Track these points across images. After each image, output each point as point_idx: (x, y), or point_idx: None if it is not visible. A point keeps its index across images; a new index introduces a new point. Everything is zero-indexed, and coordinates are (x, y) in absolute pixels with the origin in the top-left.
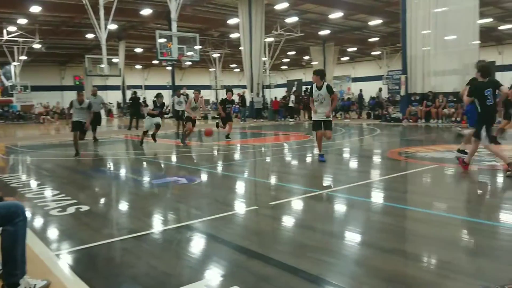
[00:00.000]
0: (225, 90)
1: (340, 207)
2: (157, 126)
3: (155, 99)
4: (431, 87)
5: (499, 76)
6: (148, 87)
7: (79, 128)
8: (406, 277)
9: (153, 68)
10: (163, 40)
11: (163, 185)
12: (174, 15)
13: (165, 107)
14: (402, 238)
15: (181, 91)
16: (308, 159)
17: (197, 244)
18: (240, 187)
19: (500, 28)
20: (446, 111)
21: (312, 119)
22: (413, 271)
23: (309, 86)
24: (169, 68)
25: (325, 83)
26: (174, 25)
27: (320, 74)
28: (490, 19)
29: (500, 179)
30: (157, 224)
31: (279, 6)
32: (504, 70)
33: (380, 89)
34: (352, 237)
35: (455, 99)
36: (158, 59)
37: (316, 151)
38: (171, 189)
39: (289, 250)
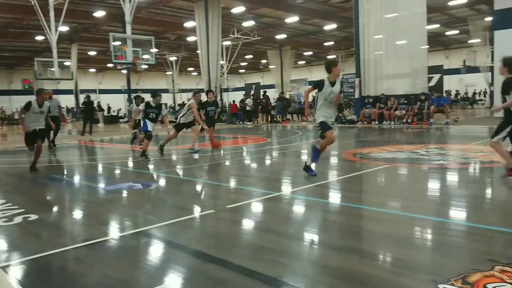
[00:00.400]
0: (205, 92)
1: (297, 209)
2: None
3: (151, 98)
4: (383, 90)
5: (446, 79)
6: (102, 91)
7: (37, 139)
8: (362, 275)
9: (108, 71)
10: (117, 43)
11: (117, 191)
12: (128, 18)
13: (167, 109)
14: (357, 237)
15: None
16: (267, 161)
17: (153, 251)
18: (197, 191)
19: (446, 33)
20: (398, 113)
21: (319, 120)
22: (369, 269)
23: (267, 90)
24: (125, 71)
25: (339, 79)
26: (128, 28)
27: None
28: (438, 25)
29: (450, 177)
30: (111, 231)
31: (236, 10)
32: (451, 73)
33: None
34: (309, 238)
35: (406, 101)
36: (113, 62)
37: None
38: (126, 195)
39: (247, 253)
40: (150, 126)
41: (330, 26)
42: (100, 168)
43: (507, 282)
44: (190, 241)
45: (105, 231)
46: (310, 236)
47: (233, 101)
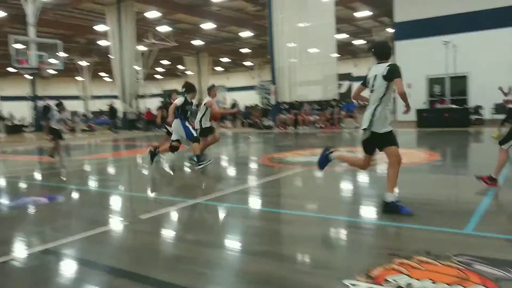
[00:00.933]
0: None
1: (214, 216)
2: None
3: (185, 94)
4: (297, 96)
5: (355, 85)
6: (4, 98)
7: None
8: (278, 278)
9: (10, 77)
10: (21, 46)
11: (20, 207)
12: (31, 19)
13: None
14: (274, 240)
15: (43, 102)
16: (186, 168)
17: (60, 269)
18: (109, 202)
19: (354, 43)
20: (312, 118)
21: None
22: (284, 271)
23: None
24: (29, 77)
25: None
26: (31, 30)
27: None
28: (346, 35)
29: (359, 178)
30: (12, 251)
31: (150, 15)
32: (360, 80)
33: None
34: (227, 245)
35: (319, 107)
36: (14, 67)
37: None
38: (31, 211)
39: (164, 265)
40: (191, 128)
41: (246, 34)
42: (0, 182)
43: (404, 274)
44: (101, 256)
45: (5, 251)
46: (228, 242)
47: (148, 108)
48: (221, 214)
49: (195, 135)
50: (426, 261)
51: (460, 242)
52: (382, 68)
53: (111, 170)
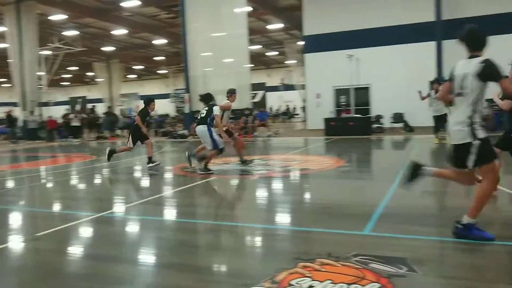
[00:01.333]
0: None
1: (120, 229)
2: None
3: (228, 94)
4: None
5: (268, 95)
6: None
7: None
8: None
9: None
10: None
11: None
12: None
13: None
14: (183, 251)
15: None
16: (91, 181)
17: None
18: (5, 220)
19: (267, 54)
20: (227, 126)
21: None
22: (194, 282)
23: (95, 104)
24: None
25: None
26: None
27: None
28: (260, 46)
29: (271, 185)
30: None
31: (55, 18)
32: (272, 90)
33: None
34: (135, 259)
35: (233, 116)
36: None
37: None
38: None
39: (58, 285)
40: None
41: (160, 41)
42: None
43: (307, 276)
44: None
45: None
46: (137, 256)
47: (50, 116)
48: (129, 227)
49: (220, 147)
50: (328, 263)
51: (359, 243)
52: (474, 64)
53: (11, 183)
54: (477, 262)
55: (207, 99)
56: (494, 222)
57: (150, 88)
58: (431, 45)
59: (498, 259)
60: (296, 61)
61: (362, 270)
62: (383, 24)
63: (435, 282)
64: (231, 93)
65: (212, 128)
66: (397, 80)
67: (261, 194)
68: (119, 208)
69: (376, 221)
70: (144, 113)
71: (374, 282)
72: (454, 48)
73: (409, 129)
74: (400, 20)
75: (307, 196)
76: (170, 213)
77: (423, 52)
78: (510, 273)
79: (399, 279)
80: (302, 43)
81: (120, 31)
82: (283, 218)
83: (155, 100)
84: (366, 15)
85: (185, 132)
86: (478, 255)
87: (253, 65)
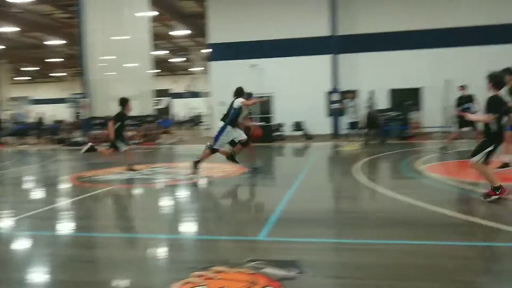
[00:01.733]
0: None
1: (2, 247)
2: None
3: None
4: (112, 111)
5: (176, 101)
6: None
7: None
8: None
9: None
10: None
11: None
12: None
13: None
14: (73, 267)
15: None
16: None
17: None
18: None
19: (173, 60)
20: (129, 133)
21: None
22: None
23: None
24: None
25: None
26: None
27: None
28: (166, 52)
29: (177, 193)
30: None
31: None
32: (179, 97)
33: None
34: (17, 279)
35: (135, 123)
36: None
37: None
38: None
39: None
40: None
41: (55, 42)
42: None
43: (201, 285)
44: None
45: None
46: (24, 276)
47: None
48: (15, 244)
49: (215, 147)
50: (222, 270)
51: (253, 248)
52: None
53: None
54: (364, 261)
55: (235, 93)
56: (374, 222)
57: (44, 91)
58: (327, 58)
59: (383, 257)
60: (202, 68)
61: (255, 275)
62: (285, 36)
63: (323, 283)
64: (248, 96)
65: (228, 127)
66: (297, 90)
67: (161, 203)
68: (4, 222)
69: (271, 226)
70: (120, 116)
71: (266, 286)
72: (348, 61)
73: (308, 137)
74: (299, 33)
75: (208, 204)
76: (62, 227)
77: (320, 64)
78: (393, 269)
79: (290, 282)
80: (207, 50)
81: (8, 29)
82: (181, 227)
83: (52, 105)
84: (269, 27)
85: (84, 139)
86: (365, 254)
87: (158, 71)
